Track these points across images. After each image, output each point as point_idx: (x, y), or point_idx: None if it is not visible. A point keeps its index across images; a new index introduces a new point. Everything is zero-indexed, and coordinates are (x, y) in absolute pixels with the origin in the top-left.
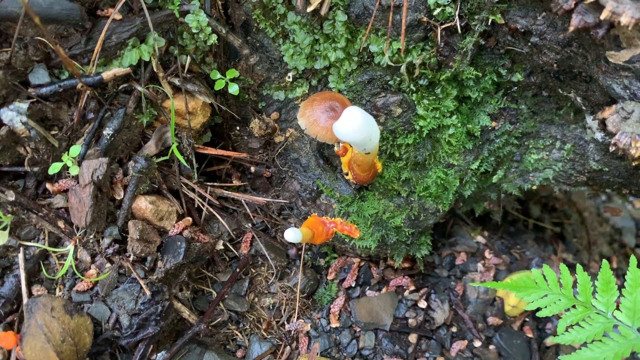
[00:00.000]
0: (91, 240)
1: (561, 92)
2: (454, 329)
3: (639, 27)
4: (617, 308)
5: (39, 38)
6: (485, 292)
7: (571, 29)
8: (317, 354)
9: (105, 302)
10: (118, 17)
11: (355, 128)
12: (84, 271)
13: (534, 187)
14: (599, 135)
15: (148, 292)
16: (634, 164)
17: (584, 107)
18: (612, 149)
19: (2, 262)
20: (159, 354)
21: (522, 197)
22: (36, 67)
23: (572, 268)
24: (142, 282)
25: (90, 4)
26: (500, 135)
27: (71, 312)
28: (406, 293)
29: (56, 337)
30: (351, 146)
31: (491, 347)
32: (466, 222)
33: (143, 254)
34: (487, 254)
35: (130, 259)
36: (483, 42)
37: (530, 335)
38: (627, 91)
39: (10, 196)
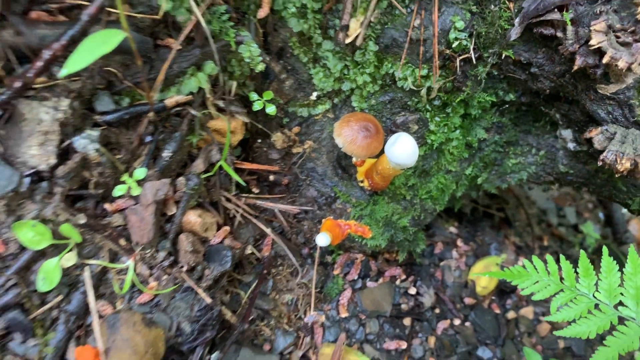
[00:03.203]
0: (147, 255)
1: (543, 109)
2: (437, 310)
3: (605, 73)
4: (597, 290)
5: (106, 68)
6: (460, 276)
7: (575, 67)
8: (343, 344)
9: (165, 312)
10: (177, 45)
11: (410, 153)
12: (143, 284)
13: (510, 185)
14: (571, 145)
15: (208, 300)
16: (617, 175)
17: (560, 122)
18: (599, 163)
19: (66, 281)
20: (213, 355)
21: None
22: (101, 95)
23: (520, 249)
24: (200, 291)
25: (150, 35)
26: (490, 144)
27: (149, 325)
28: (398, 282)
29: (141, 349)
30: (391, 160)
31: (467, 323)
32: (440, 216)
33: (193, 264)
34: (459, 242)
35: (184, 269)
36: (484, 71)
37: (497, 311)
38: (610, 116)
39: (82, 219)
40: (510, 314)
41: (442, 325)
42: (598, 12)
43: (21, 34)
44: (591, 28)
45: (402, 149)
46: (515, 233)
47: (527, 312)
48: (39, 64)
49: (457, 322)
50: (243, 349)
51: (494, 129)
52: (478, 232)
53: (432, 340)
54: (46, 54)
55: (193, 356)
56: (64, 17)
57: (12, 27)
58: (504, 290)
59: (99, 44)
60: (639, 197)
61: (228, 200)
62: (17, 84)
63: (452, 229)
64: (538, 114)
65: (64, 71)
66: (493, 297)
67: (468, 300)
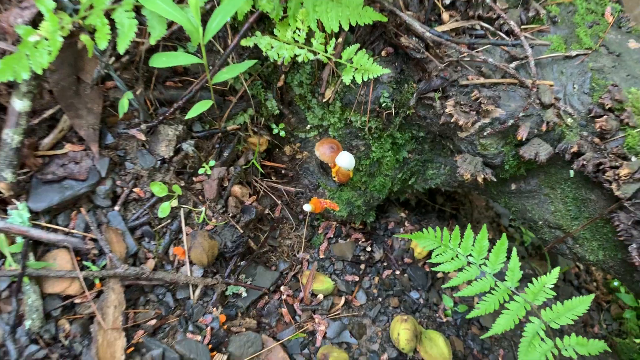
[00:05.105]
0: (212, 206)
1: (443, 142)
2: (385, 264)
3: (458, 126)
4: (459, 246)
5: None
6: (404, 244)
7: (441, 122)
8: (316, 270)
9: (219, 235)
10: (234, 100)
11: (347, 161)
12: (209, 220)
13: (432, 187)
14: None
15: (241, 231)
16: (465, 182)
17: (454, 150)
18: (457, 174)
19: (171, 214)
20: (242, 262)
21: (426, 192)
22: (196, 123)
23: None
24: (238, 227)
25: (221, 95)
26: (413, 161)
27: (210, 238)
28: (360, 242)
29: (206, 249)
30: (337, 165)
31: (405, 275)
32: (395, 204)
33: (235, 213)
34: (406, 223)
35: (230, 215)
36: (398, 120)
37: (427, 269)
38: (466, 149)
39: (182, 183)
40: (440, 274)
41: (386, 272)
42: (451, 94)
43: (162, 93)
44: (446, 103)
45: (342, 159)
46: (460, 225)
47: (454, 274)
48: (171, 109)
49: (397, 272)
50: (259, 266)
51: (415, 151)
52: (425, 219)
53: (376, 279)
54: (175, 105)
55: (231, 261)
56: (182, 85)
57: (157, 89)
58: None
59: (201, 106)
60: (502, 198)
61: (256, 181)
62: (160, 118)
63: (402, 214)
64: (443, 144)
65: (187, 116)
66: (426, 261)
67: (407, 260)
